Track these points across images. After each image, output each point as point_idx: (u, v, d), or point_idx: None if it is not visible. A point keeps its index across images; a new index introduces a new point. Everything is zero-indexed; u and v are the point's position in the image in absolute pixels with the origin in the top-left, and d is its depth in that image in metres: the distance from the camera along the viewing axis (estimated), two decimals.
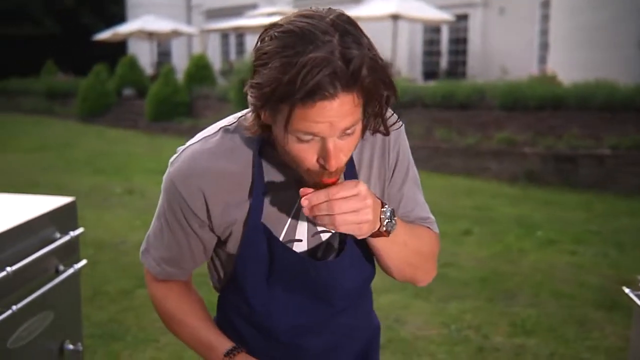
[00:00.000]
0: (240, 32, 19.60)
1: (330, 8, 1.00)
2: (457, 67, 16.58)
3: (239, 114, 1.17)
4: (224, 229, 1.16)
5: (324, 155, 0.99)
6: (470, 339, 3.54)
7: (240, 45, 21.57)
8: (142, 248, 1.27)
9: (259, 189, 1.13)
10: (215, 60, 18.99)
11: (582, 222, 6.27)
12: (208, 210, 1.13)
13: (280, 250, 1.15)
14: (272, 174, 1.14)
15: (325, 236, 1.18)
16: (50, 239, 2.12)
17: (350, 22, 0.97)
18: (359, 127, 1.02)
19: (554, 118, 8.77)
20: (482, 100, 9.52)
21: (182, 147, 1.17)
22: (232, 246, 1.18)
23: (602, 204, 7.13)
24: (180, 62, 20.03)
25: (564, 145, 8.30)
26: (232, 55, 21.50)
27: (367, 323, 1.34)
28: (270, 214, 1.14)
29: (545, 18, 13.27)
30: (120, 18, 23.13)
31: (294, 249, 1.17)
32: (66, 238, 2.17)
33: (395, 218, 1.10)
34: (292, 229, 1.16)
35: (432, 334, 3.59)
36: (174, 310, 1.26)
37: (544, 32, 13.27)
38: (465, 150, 8.84)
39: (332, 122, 0.96)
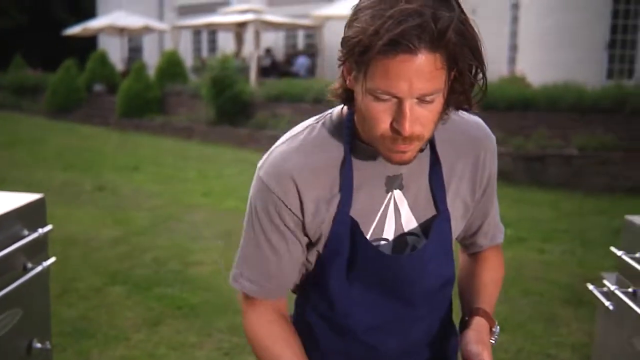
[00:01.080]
0: (212, 29, 19.49)
1: None
2: None
3: (325, 113, 1.18)
4: (315, 228, 1.14)
5: (399, 118, 0.97)
6: None
7: (213, 42, 21.44)
8: (232, 274, 1.22)
9: (348, 184, 1.11)
10: (187, 57, 18.86)
11: (550, 220, 6.38)
12: (302, 208, 1.12)
13: (365, 247, 1.13)
14: (362, 170, 1.13)
15: (411, 239, 1.17)
16: (18, 236, 2.09)
17: None
18: (439, 99, 0.99)
19: (523, 118, 8.91)
20: None
21: (269, 150, 1.16)
22: (320, 242, 1.16)
23: (570, 202, 7.27)
24: (151, 58, 19.84)
25: (533, 145, 8.43)
26: (205, 52, 21.37)
27: (446, 332, 1.29)
28: (359, 209, 1.13)
29: (515, 20, 13.46)
30: (91, 13, 22.82)
31: (379, 248, 1.16)
32: (34, 235, 2.14)
33: (497, 326, 1.24)
34: (380, 227, 1.15)
35: None
36: (271, 339, 1.19)
37: (514, 34, 13.46)
38: None
39: (411, 81, 0.94)
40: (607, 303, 2.03)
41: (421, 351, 1.25)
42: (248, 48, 16.61)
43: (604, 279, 2.11)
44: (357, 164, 1.12)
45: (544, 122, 8.71)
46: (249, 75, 14.25)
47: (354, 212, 1.12)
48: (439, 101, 0.99)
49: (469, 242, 1.34)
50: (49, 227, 2.22)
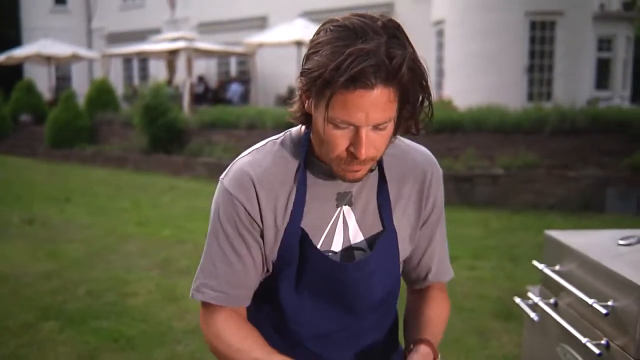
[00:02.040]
0: (143, 57, 19.29)
1: (382, 14, 1.10)
2: None
3: (286, 131, 1.27)
4: (270, 237, 1.22)
5: (356, 143, 1.08)
6: None
7: (144, 69, 21.21)
8: (193, 287, 1.25)
9: (301, 197, 1.20)
10: (118, 85, 18.57)
11: (480, 238, 6.62)
12: (261, 215, 1.20)
13: (313, 255, 1.21)
14: (315, 185, 1.22)
15: (357, 253, 1.25)
16: None
17: (399, 29, 1.07)
18: (391, 125, 1.11)
19: (451, 140, 9.24)
20: None
21: (233, 162, 1.25)
22: (272, 253, 1.23)
23: (498, 220, 7.56)
24: (80, 87, 19.42)
25: (461, 166, 8.74)
26: (136, 80, 21.10)
27: (391, 348, 1.37)
28: (309, 222, 1.21)
29: (440, 46, 13.97)
30: (16, 41, 22.17)
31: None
32: None
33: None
34: (329, 240, 1.23)
35: None
36: (231, 338, 1.22)
37: (440, 59, 13.96)
38: None
39: (367, 112, 1.04)
40: (532, 314, 2.14)
41: (369, 352, 1.33)
42: (180, 75, 16.52)
43: (529, 291, 2.23)
44: (311, 179, 1.22)
45: (471, 143, 9.06)
46: (182, 103, 14.16)
47: (305, 224, 1.21)
48: (390, 127, 1.11)
49: (413, 275, 1.38)
50: None
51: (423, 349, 1.20)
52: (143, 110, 11.60)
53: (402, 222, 1.28)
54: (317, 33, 1.09)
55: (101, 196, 8.89)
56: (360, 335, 1.30)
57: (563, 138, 8.59)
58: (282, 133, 1.27)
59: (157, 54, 16.66)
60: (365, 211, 1.25)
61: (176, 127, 11.84)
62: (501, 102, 9.70)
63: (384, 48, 1.02)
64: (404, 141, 1.31)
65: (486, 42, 12.09)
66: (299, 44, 13.74)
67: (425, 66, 1.09)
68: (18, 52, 17.73)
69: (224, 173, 1.25)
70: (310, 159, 1.21)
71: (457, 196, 8.52)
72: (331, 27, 1.06)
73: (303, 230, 1.21)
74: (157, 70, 18.53)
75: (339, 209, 1.24)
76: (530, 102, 11.52)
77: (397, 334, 1.40)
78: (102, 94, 14.19)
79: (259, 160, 1.22)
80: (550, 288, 2.06)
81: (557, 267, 2.00)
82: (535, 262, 2.12)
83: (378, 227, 1.26)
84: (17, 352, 3.65)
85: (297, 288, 1.24)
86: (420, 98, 1.11)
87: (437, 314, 1.35)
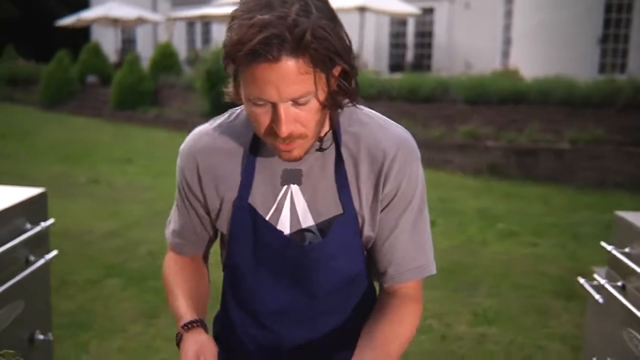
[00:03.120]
0: (206, 21, 19.42)
1: None
2: (423, 60, 16.75)
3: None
4: (215, 207, 1.24)
5: (275, 120, 1.04)
6: (434, 328, 3.64)
7: (207, 33, 21.37)
8: (168, 220, 1.39)
9: (249, 172, 1.19)
10: (181, 49, 18.80)
11: (541, 214, 6.45)
12: (201, 186, 1.23)
13: (264, 229, 1.19)
14: (263, 161, 1.20)
15: (308, 235, 1.20)
16: (21, 230, 2.12)
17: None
18: (314, 99, 1.04)
19: (515, 112, 8.97)
20: (446, 93, 9.66)
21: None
22: (223, 225, 1.25)
23: (561, 197, 7.34)
24: (145, 50, 19.76)
25: (525, 139, 8.50)
26: (198, 44, 21.30)
27: (357, 329, 1.22)
28: (256, 198, 1.20)
29: (508, 14, 13.50)
30: (83, 3, 22.68)
31: None
32: (37, 229, 2.18)
33: None
34: (275, 217, 1.20)
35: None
36: (167, 279, 1.33)
37: (507, 28, 13.51)
38: (430, 143, 8.98)
39: (278, 87, 0.99)
40: (597, 296, 2.08)
41: (331, 348, 1.26)
42: None
43: (595, 273, 2.16)
44: (260, 155, 1.20)
45: (537, 115, 8.77)
46: None
47: (252, 200, 1.20)
48: (314, 101, 1.04)
49: (373, 267, 1.27)
50: (50, 221, 2.26)
51: None
52: (205, 75, 11.72)
53: (363, 204, 1.19)
54: (236, 5, 1.05)
55: (162, 158, 9.08)
56: (319, 317, 1.25)
57: (636, 113, 8.21)
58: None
59: (220, 18, 16.72)
60: (316, 192, 1.18)
61: None
62: (570, 74, 9.33)
63: (291, 18, 0.96)
64: (374, 118, 1.21)
65: (557, 12, 11.59)
66: (362, 9, 13.53)
67: (345, 35, 1.03)
68: (86, 15, 18.13)
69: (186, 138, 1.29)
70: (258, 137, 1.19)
71: (519, 170, 8.31)
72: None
73: (250, 206, 1.20)
74: (219, 34, 18.63)
75: (286, 187, 1.19)
76: (601, 74, 11.03)
77: (367, 314, 1.26)
78: (165, 57, 14.40)
79: (211, 130, 1.23)
80: (617, 270, 1.99)
81: (626, 250, 1.92)
82: (603, 243, 2.04)
83: (334, 209, 1.18)
84: (84, 306, 3.81)
85: (255, 260, 1.23)
86: (340, 69, 1.04)
87: (396, 332, 1.17)
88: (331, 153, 1.18)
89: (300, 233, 1.20)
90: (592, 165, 7.98)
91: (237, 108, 1.25)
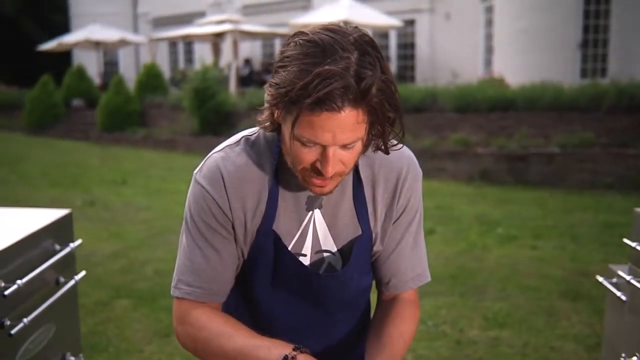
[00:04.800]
0: (188, 40, 19.46)
1: (356, 27, 1.09)
2: (406, 72, 16.91)
3: (261, 127, 1.23)
4: (240, 234, 1.22)
5: (322, 162, 1.07)
6: (448, 334, 3.67)
7: (189, 52, 21.41)
8: (172, 285, 1.24)
9: (273, 200, 1.20)
10: (165, 69, 18.80)
11: (538, 217, 6.53)
12: (231, 211, 1.19)
13: (287, 258, 1.22)
14: (287, 189, 1.21)
15: (327, 256, 1.25)
16: (51, 252, 2.13)
17: (372, 45, 1.05)
18: (360, 143, 1.09)
19: (504, 119, 9.09)
20: (435, 103, 9.77)
21: (206, 158, 1.24)
22: (244, 251, 1.24)
23: (554, 200, 7.44)
24: (127, 71, 19.75)
25: (515, 144, 8.61)
26: (181, 64, 21.33)
27: (361, 336, 1.35)
28: (281, 224, 1.21)
29: (489, 23, 13.70)
30: (64, 27, 22.62)
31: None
32: (66, 250, 2.19)
33: None
34: (300, 243, 1.23)
35: None
36: (223, 328, 1.18)
37: (489, 37, 13.69)
38: (422, 152, 9.06)
39: (334, 133, 1.03)
40: (618, 293, 2.12)
41: (341, 354, 1.32)
42: (226, 58, 16.62)
43: (618, 270, 2.20)
44: (283, 182, 1.20)
45: (525, 121, 8.90)
46: (228, 86, 14.27)
47: (277, 227, 1.21)
48: (359, 144, 1.09)
49: (376, 277, 1.34)
50: (78, 242, 2.27)
51: None
52: (193, 94, 11.74)
53: (377, 224, 1.26)
54: (287, 44, 1.06)
55: (155, 178, 9.07)
56: (330, 329, 1.30)
57: (621, 115, 8.37)
58: (257, 129, 1.24)
59: (203, 37, 16.78)
60: (337, 214, 1.24)
61: (224, 109, 11.95)
62: (553, 79, 9.48)
63: (353, 68, 0.99)
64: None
65: (537, 18, 11.79)
66: (345, 23, 13.62)
67: (395, 86, 1.06)
68: (68, 38, 18.09)
69: (197, 168, 1.24)
70: (283, 163, 1.19)
71: (511, 176, 8.41)
72: (300, 41, 1.03)
73: (275, 233, 1.20)
74: (202, 53, 18.68)
75: (310, 212, 1.23)
76: (583, 78, 11.22)
77: (368, 322, 1.37)
78: (151, 77, 14.41)
79: (232, 157, 1.20)
80: None
81: None
82: (627, 240, 2.08)
83: (352, 231, 1.25)
84: (96, 328, 3.79)
85: (272, 285, 1.24)
86: (392, 117, 1.08)
87: (400, 331, 1.25)
88: (349, 176, 1.22)
89: (319, 254, 1.25)
90: (582, 167, 8.11)
91: (248, 134, 1.24)
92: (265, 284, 1.24)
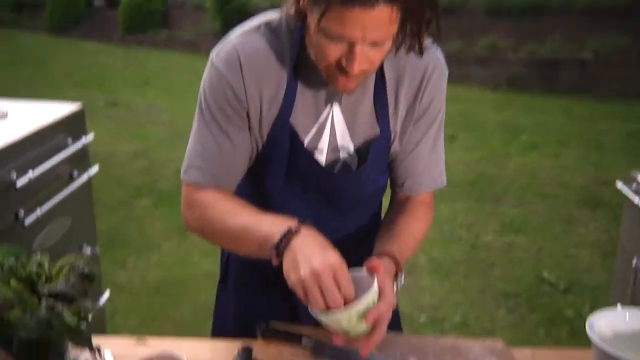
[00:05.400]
0: None
1: None
2: None
3: (282, 11, 1.15)
4: (255, 123, 1.16)
5: (348, 59, 1.00)
6: (463, 238, 3.69)
7: None
8: (182, 171, 1.20)
9: (291, 91, 1.14)
10: None
11: (564, 126, 6.40)
12: (246, 96, 1.14)
13: (302, 153, 1.17)
14: (307, 80, 1.15)
15: (343, 155, 1.20)
16: (63, 146, 2.14)
17: None
18: (390, 42, 1.02)
19: (537, 23, 8.72)
20: (465, 4, 9.39)
21: (224, 39, 1.17)
22: (259, 141, 1.18)
23: (582, 108, 7.25)
24: None
25: (546, 50, 8.31)
26: None
27: (374, 223, 1.32)
28: (298, 117, 1.16)
29: None
30: None
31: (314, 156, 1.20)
32: (78, 144, 2.19)
33: (403, 278, 1.14)
34: (316, 139, 1.18)
35: (427, 234, 3.72)
36: (225, 207, 1.14)
37: None
38: (448, 57, 8.72)
39: (365, 30, 0.96)
40: (636, 199, 2.09)
41: (349, 250, 1.25)
42: None
43: (634, 177, 2.16)
44: (303, 74, 1.14)
45: (558, 26, 8.53)
46: None
47: (293, 120, 1.15)
48: (389, 43, 1.02)
49: (391, 176, 1.29)
50: (91, 136, 2.27)
51: (386, 260, 1.11)
52: None
53: (397, 122, 1.20)
54: None
55: (177, 80, 9.01)
56: (340, 226, 1.26)
57: None
58: (278, 16, 1.16)
59: None
60: (356, 111, 1.17)
61: (247, 10, 11.65)
62: None
63: None
64: None
65: None
66: None
67: None
68: None
69: (214, 50, 1.16)
70: (304, 54, 1.12)
71: (540, 83, 8.17)
72: None
73: (292, 126, 1.15)
74: None
75: (329, 106, 1.16)
76: None
77: (379, 223, 1.32)
78: None
79: (251, 42, 1.12)
80: None
81: None
82: None
83: (371, 131, 1.19)
84: (117, 225, 3.88)
85: (285, 180, 1.20)
86: (428, 16, 1.00)
87: (411, 228, 1.23)
88: (373, 73, 1.15)
89: (336, 152, 1.19)
90: (615, 75, 7.82)
91: (269, 20, 1.16)
92: (278, 178, 1.20)
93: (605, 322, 1.10)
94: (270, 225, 1.05)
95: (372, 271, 1.01)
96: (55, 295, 1.07)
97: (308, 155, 1.17)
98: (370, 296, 0.96)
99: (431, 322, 2.87)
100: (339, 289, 0.96)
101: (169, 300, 3.08)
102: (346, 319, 0.95)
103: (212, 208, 1.15)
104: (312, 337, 1.15)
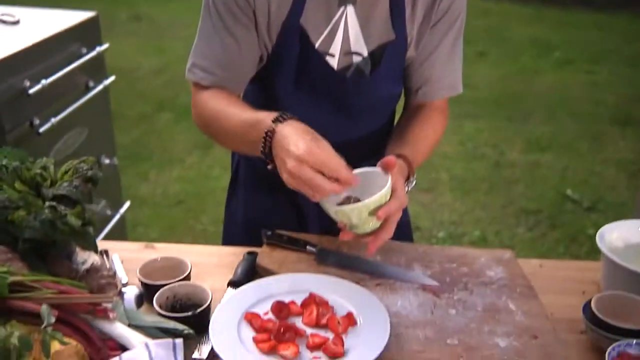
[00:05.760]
0: None
1: None
2: None
3: None
4: (263, 25, 1.11)
5: None
6: (487, 156, 3.64)
7: None
8: (187, 68, 1.18)
9: None
10: None
11: (598, 42, 6.14)
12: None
13: (313, 56, 1.12)
14: None
15: (356, 59, 1.15)
16: (78, 55, 2.11)
17: None
18: None
19: None
20: None
21: None
22: (267, 44, 1.14)
23: (618, 23, 6.92)
24: None
25: None
26: None
27: (386, 131, 1.28)
28: (309, 18, 1.10)
29: None
30: None
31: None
32: (93, 53, 2.16)
33: (414, 178, 1.10)
34: (328, 41, 1.13)
35: (450, 152, 3.68)
36: (220, 104, 1.12)
37: None
38: None
39: None
40: None
41: (362, 151, 1.22)
42: None
43: None
44: None
45: None
46: None
47: (304, 21, 1.09)
48: None
49: (407, 83, 1.24)
50: (106, 45, 2.23)
51: (399, 161, 1.06)
52: None
53: (414, 26, 1.14)
54: None
55: None
56: (351, 134, 1.22)
57: None
58: None
59: None
60: (371, 14, 1.11)
61: None
62: None
63: None
64: None
65: None
66: None
67: None
68: None
69: None
70: None
71: None
72: None
73: (302, 28, 1.09)
74: None
75: (342, 8, 1.10)
76: None
77: (391, 131, 1.28)
78: None
79: None
80: None
81: None
82: None
83: (385, 35, 1.12)
84: (140, 138, 3.90)
85: (295, 85, 1.15)
86: None
87: (425, 133, 1.20)
88: None
89: (348, 56, 1.14)
90: None
91: None
92: (288, 83, 1.16)
93: (618, 234, 1.07)
94: (265, 116, 1.01)
95: (387, 168, 0.99)
96: (60, 198, 1.07)
97: (319, 57, 1.13)
98: (384, 193, 0.94)
99: (450, 237, 2.87)
100: (325, 174, 0.91)
101: (190, 212, 3.12)
102: (356, 214, 0.93)
103: (211, 108, 1.13)
104: (317, 244, 1.14)
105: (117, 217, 2.35)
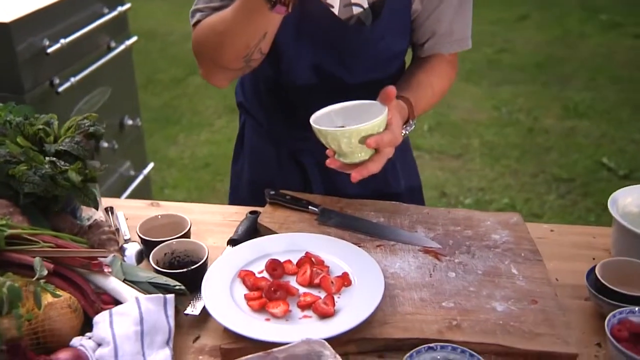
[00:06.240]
0: None
1: None
2: None
3: None
4: None
5: None
6: (521, 121, 3.54)
7: None
8: (190, 15, 1.15)
9: None
10: None
11: None
12: None
13: (312, 4, 1.08)
14: None
15: (357, 10, 1.11)
16: (99, 14, 2.11)
17: None
18: None
19: None
20: None
21: None
22: None
23: None
24: None
25: None
26: None
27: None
28: None
29: None
30: None
31: None
32: (114, 13, 2.15)
33: (414, 122, 1.08)
34: None
35: (482, 117, 3.59)
36: (212, 17, 1.09)
37: None
38: None
39: None
40: None
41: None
42: None
43: None
44: None
45: None
46: None
47: None
48: None
49: (414, 37, 1.20)
50: (127, 5, 2.22)
51: (400, 101, 1.05)
52: None
53: None
54: None
55: None
56: (349, 91, 1.15)
57: None
58: None
59: None
60: None
61: None
62: None
63: None
64: None
65: None
66: None
67: None
68: None
69: None
70: None
71: None
72: None
73: None
74: None
75: None
76: None
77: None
78: None
79: None
80: None
81: None
82: None
83: None
84: (171, 102, 3.92)
85: (295, 36, 1.11)
86: None
87: (430, 80, 1.17)
88: None
89: (349, 10, 1.11)
90: None
91: None
92: (288, 34, 1.12)
93: (632, 199, 1.02)
94: None
95: (385, 100, 0.96)
96: (62, 154, 1.07)
97: (318, 4, 1.09)
98: (377, 121, 0.91)
99: (476, 203, 2.81)
100: None
101: (217, 175, 3.14)
102: (347, 139, 0.91)
103: (204, 25, 1.09)
104: (320, 204, 1.12)
105: (141, 177, 2.36)
